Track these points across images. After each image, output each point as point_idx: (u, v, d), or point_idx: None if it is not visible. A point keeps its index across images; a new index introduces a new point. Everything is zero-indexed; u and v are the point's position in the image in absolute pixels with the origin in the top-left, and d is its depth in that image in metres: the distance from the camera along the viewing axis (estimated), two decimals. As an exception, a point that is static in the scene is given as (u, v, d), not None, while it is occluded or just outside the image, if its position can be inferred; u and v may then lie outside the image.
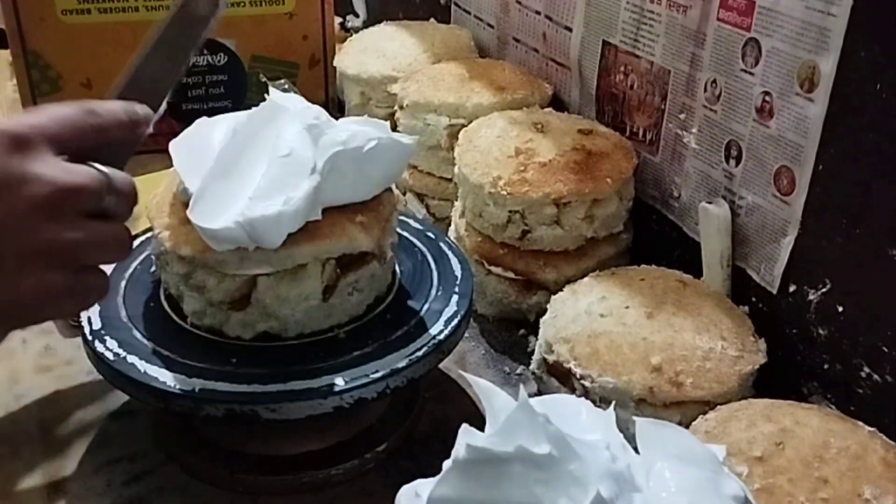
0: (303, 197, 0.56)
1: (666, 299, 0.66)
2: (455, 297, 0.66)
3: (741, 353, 0.63)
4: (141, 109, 0.53)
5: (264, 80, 1.04)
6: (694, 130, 0.75)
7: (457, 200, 0.85)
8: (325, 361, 0.59)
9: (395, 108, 0.96)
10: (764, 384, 0.64)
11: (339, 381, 0.57)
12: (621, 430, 0.44)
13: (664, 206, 0.81)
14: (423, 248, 0.72)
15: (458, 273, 0.69)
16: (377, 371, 0.58)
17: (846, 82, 0.59)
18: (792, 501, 0.49)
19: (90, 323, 0.62)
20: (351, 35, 1.15)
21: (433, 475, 0.41)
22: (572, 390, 0.64)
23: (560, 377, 0.66)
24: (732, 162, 0.71)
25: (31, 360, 0.74)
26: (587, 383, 0.62)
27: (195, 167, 0.58)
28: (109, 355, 0.59)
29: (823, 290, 0.64)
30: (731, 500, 0.41)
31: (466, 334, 0.73)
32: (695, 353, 0.61)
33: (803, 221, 0.65)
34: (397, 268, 0.70)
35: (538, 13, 0.97)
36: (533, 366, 0.70)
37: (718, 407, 0.58)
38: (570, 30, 0.91)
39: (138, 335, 0.61)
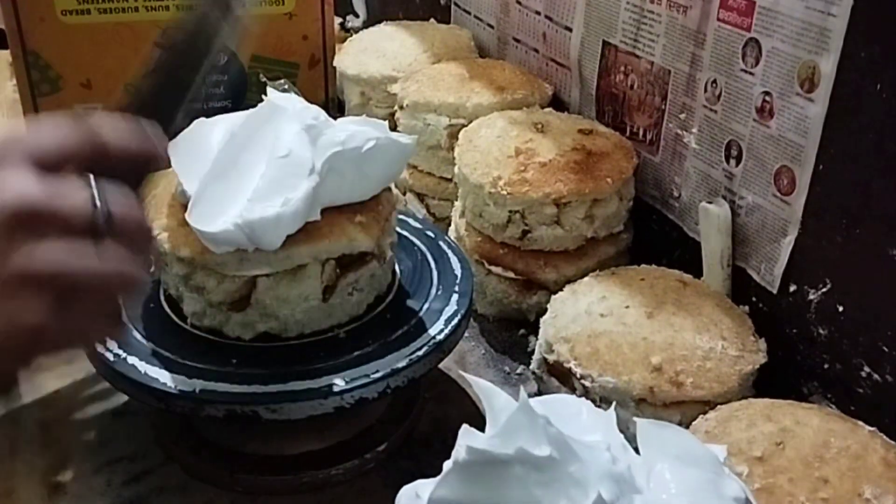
0: (301, 198, 0.55)
1: (666, 299, 0.66)
2: (455, 297, 0.66)
3: (741, 352, 0.63)
4: (149, 127, 0.47)
5: (264, 80, 1.04)
6: (694, 130, 0.75)
7: (457, 200, 0.85)
8: (326, 362, 0.59)
9: (395, 108, 0.96)
10: (764, 384, 0.64)
11: (340, 382, 0.57)
12: (621, 430, 0.44)
13: (664, 205, 0.81)
14: (423, 248, 0.72)
15: (458, 272, 0.69)
16: (377, 371, 0.58)
17: (846, 82, 0.59)
18: (792, 501, 0.49)
19: (90, 323, 0.62)
20: (351, 35, 1.15)
21: (433, 475, 0.41)
22: (572, 390, 0.64)
23: (560, 377, 0.66)
24: (733, 162, 0.71)
25: (31, 360, 0.74)
26: (587, 383, 0.62)
27: (193, 168, 0.58)
28: (109, 356, 0.59)
29: (823, 289, 0.64)
30: (732, 502, 0.41)
31: (466, 334, 0.73)
32: (695, 352, 0.61)
33: (803, 221, 0.65)
34: (397, 267, 0.69)
35: (538, 13, 0.97)
36: (533, 366, 0.70)
37: (719, 407, 0.58)
38: (570, 30, 0.91)
39: (138, 336, 0.61)
